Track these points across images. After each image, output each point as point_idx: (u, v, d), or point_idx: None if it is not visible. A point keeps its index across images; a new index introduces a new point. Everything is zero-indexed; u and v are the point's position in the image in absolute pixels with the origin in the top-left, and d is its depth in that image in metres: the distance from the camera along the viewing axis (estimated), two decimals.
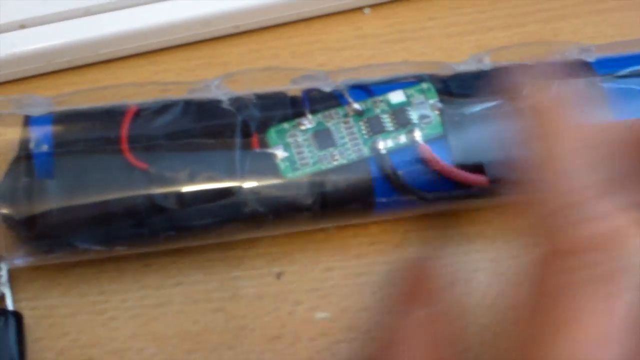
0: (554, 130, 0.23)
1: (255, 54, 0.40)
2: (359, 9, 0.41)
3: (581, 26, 0.42)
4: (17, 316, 0.32)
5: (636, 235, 0.20)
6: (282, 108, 0.33)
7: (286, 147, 0.32)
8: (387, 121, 0.33)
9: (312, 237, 0.35)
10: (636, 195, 0.21)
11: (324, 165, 0.32)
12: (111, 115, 0.31)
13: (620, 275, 0.20)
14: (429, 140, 0.33)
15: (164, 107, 0.32)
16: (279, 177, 0.31)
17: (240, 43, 0.40)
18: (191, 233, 0.31)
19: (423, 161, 0.32)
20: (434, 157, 0.32)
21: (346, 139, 0.32)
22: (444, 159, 0.32)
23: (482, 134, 0.33)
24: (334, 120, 0.33)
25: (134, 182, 0.30)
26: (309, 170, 0.32)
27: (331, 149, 0.32)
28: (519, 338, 0.21)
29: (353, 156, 0.32)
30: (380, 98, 0.33)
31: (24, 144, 0.30)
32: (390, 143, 0.32)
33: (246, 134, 0.32)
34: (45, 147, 0.30)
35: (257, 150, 0.31)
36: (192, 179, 0.30)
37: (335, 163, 0.32)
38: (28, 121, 0.31)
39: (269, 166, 0.31)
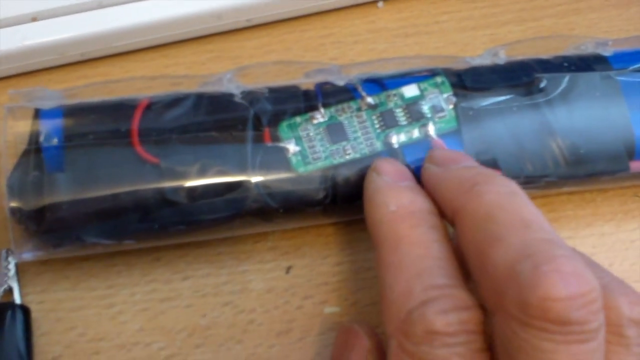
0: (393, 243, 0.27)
1: (267, 47, 0.39)
2: (373, 2, 0.41)
3: (596, 20, 0.41)
4: (25, 310, 0.31)
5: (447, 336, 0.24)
6: (295, 102, 0.32)
7: (298, 141, 0.31)
8: (401, 115, 0.32)
9: (321, 231, 0.34)
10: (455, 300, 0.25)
11: (336, 160, 0.32)
12: (122, 109, 0.31)
13: (477, 353, 0.24)
14: (442, 135, 0.32)
15: (175, 101, 0.32)
16: (290, 171, 0.31)
17: (252, 37, 0.40)
18: (201, 227, 0.31)
19: None
20: None
21: (359, 133, 0.32)
22: None
23: (497, 128, 0.33)
24: (346, 114, 0.32)
25: (144, 175, 0.30)
26: (320, 164, 0.31)
27: (344, 143, 0.32)
28: None
29: (366, 150, 0.32)
30: (394, 92, 0.33)
31: (33, 137, 0.30)
32: (403, 137, 0.32)
33: (258, 128, 0.31)
34: (55, 141, 0.30)
35: (269, 144, 0.31)
36: (203, 173, 0.30)
37: (347, 157, 0.32)
38: (38, 114, 0.31)
39: (280, 160, 0.31)
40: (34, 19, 0.36)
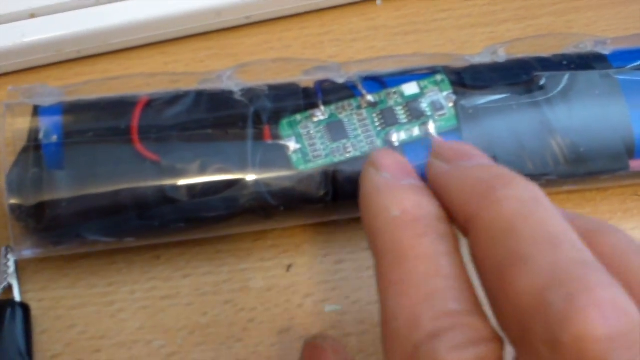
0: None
1: (265, 45, 0.39)
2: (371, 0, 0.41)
3: (595, 19, 0.41)
4: (25, 308, 0.31)
5: None
6: (295, 99, 0.32)
7: (298, 138, 0.31)
8: (401, 113, 0.32)
9: (322, 229, 0.34)
10: (470, 332, 0.21)
11: (337, 158, 0.31)
12: (122, 106, 0.31)
13: None
14: (442, 133, 0.32)
15: (175, 98, 0.31)
16: (290, 169, 0.31)
17: (251, 34, 0.40)
18: (201, 225, 0.31)
19: None
20: None
21: (359, 131, 0.32)
22: None
23: (496, 126, 0.33)
24: (346, 112, 0.32)
25: (144, 173, 0.30)
26: (321, 162, 0.31)
27: (344, 141, 0.32)
28: None
29: (366, 148, 0.32)
30: (394, 90, 0.33)
31: (33, 134, 0.30)
32: (403, 135, 0.32)
33: (258, 125, 0.31)
34: (54, 138, 0.30)
35: (269, 141, 0.31)
36: (203, 171, 0.30)
37: (347, 155, 0.32)
38: (37, 111, 0.31)
39: (280, 158, 0.31)
40: (32, 16, 0.36)
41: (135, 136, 0.30)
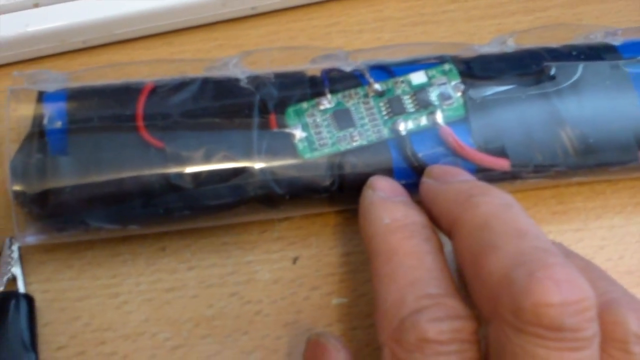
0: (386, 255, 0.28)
1: (272, 36, 0.39)
2: None
3: (604, 11, 0.41)
4: (29, 299, 0.31)
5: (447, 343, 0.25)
6: (301, 87, 0.32)
7: (304, 127, 0.31)
8: (408, 102, 0.32)
9: (328, 221, 0.34)
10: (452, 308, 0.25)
11: (343, 146, 0.31)
12: (127, 92, 0.31)
13: None
14: (450, 123, 0.32)
15: (181, 85, 0.31)
16: (296, 157, 0.31)
17: (257, 25, 0.39)
18: (206, 213, 0.31)
19: (444, 144, 0.32)
20: (456, 140, 0.31)
21: (366, 120, 0.32)
22: (465, 142, 0.32)
23: (505, 117, 0.32)
24: (353, 101, 0.32)
25: (149, 160, 0.30)
26: (327, 150, 0.31)
27: (350, 130, 0.31)
28: None
29: (373, 137, 0.31)
30: (402, 79, 0.33)
31: (37, 120, 0.30)
32: (410, 125, 0.32)
33: (264, 113, 0.31)
34: (59, 124, 0.30)
35: (275, 130, 0.31)
36: (208, 158, 0.30)
37: (354, 144, 0.31)
38: (42, 97, 0.30)
39: (286, 146, 0.31)
40: (36, 5, 0.36)
41: (140, 123, 0.30)
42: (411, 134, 0.32)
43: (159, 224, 0.31)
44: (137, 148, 0.30)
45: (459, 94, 0.32)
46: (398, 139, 0.31)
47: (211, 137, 0.30)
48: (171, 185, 0.30)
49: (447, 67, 0.33)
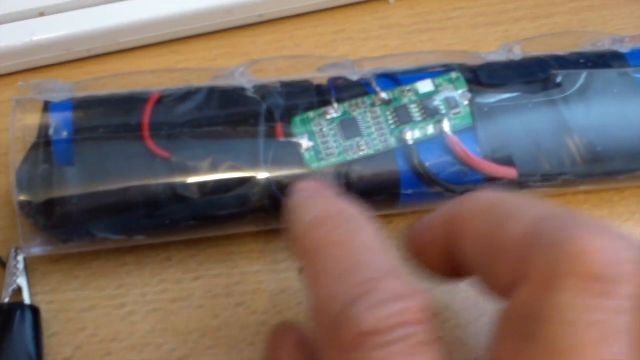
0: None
1: (277, 44, 0.39)
2: None
3: (610, 18, 0.41)
4: (34, 310, 0.31)
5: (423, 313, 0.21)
6: (308, 96, 0.32)
7: (311, 136, 0.31)
8: (415, 111, 0.32)
9: None
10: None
11: (350, 156, 0.31)
12: (133, 102, 0.31)
13: (422, 347, 0.21)
14: (457, 132, 0.32)
15: (187, 94, 0.31)
16: (303, 167, 0.31)
17: (263, 33, 0.39)
18: (212, 223, 0.31)
19: (451, 153, 0.31)
20: (463, 149, 0.31)
21: (373, 129, 0.31)
22: (473, 151, 0.31)
23: (512, 125, 0.32)
24: (360, 110, 0.32)
25: (155, 170, 0.29)
26: (334, 160, 0.31)
27: (357, 139, 0.31)
28: None
29: (379, 147, 0.31)
30: (408, 87, 0.32)
31: (43, 130, 0.30)
32: (417, 134, 0.32)
33: (270, 123, 0.31)
34: (65, 134, 0.30)
35: (282, 139, 0.31)
36: (214, 168, 0.30)
37: (361, 154, 0.31)
38: (48, 107, 0.30)
39: (293, 156, 0.31)
40: (42, 14, 0.36)
41: (146, 133, 0.30)
42: (418, 143, 0.31)
43: (164, 234, 0.31)
44: (143, 158, 0.29)
45: (466, 102, 0.32)
46: (405, 148, 0.31)
47: (217, 146, 0.30)
48: (177, 196, 0.29)
49: (454, 75, 0.33)
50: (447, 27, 0.40)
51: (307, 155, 0.31)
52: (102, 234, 0.30)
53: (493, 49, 0.36)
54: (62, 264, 0.32)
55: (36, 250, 0.30)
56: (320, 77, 0.33)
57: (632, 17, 0.41)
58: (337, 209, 0.25)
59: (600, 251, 0.20)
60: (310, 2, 0.39)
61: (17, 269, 0.31)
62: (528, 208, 0.23)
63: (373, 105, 0.32)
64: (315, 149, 0.31)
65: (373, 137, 0.31)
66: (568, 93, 0.33)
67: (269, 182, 0.30)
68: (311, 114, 0.31)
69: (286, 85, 0.32)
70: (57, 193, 0.29)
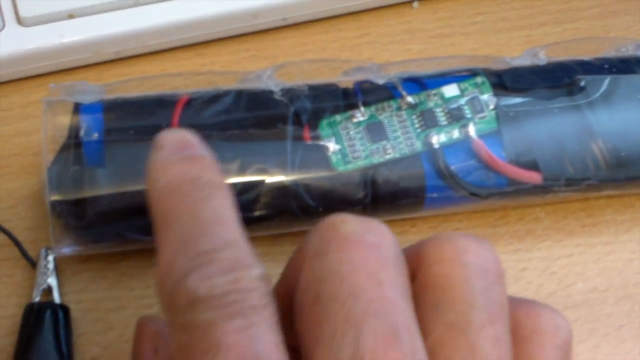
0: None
1: (302, 47, 0.39)
2: (408, 2, 0.41)
3: (633, 23, 0.41)
4: (64, 309, 0.31)
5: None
6: (334, 100, 0.32)
7: (338, 139, 0.31)
8: (441, 115, 0.32)
9: None
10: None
11: (376, 159, 0.31)
12: (162, 104, 0.31)
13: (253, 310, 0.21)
14: (482, 136, 0.32)
15: (215, 97, 0.31)
16: (330, 169, 0.31)
17: (288, 36, 0.39)
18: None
19: (476, 157, 0.32)
20: (488, 153, 0.31)
21: (399, 133, 0.32)
22: (498, 155, 0.32)
23: (537, 130, 0.32)
24: (386, 113, 0.32)
25: None
26: (360, 163, 0.31)
27: (384, 142, 0.31)
28: None
29: (405, 150, 0.31)
30: (434, 91, 0.33)
31: (73, 132, 0.30)
32: (443, 137, 0.32)
33: (298, 126, 0.31)
34: (95, 135, 0.30)
35: (309, 142, 0.31)
36: (242, 171, 0.30)
37: (387, 157, 0.31)
38: (78, 109, 0.31)
39: (320, 159, 0.31)
40: (71, 16, 0.36)
41: None
42: (444, 146, 0.32)
43: None
44: None
45: (492, 106, 0.32)
46: (431, 152, 0.32)
47: (245, 149, 0.30)
48: None
49: (479, 79, 0.33)
50: (470, 32, 0.40)
51: (333, 158, 0.31)
52: (132, 235, 0.30)
53: (516, 53, 0.36)
54: (91, 264, 0.33)
55: (66, 250, 0.30)
56: (345, 81, 0.33)
57: None
58: (190, 175, 0.24)
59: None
60: (334, 5, 0.39)
61: (48, 268, 0.31)
62: None
63: (399, 108, 0.32)
64: (341, 151, 0.31)
65: (399, 141, 0.32)
66: (592, 98, 0.33)
67: (295, 185, 0.30)
68: (338, 117, 0.32)
69: (313, 88, 0.32)
70: (88, 193, 0.29)
